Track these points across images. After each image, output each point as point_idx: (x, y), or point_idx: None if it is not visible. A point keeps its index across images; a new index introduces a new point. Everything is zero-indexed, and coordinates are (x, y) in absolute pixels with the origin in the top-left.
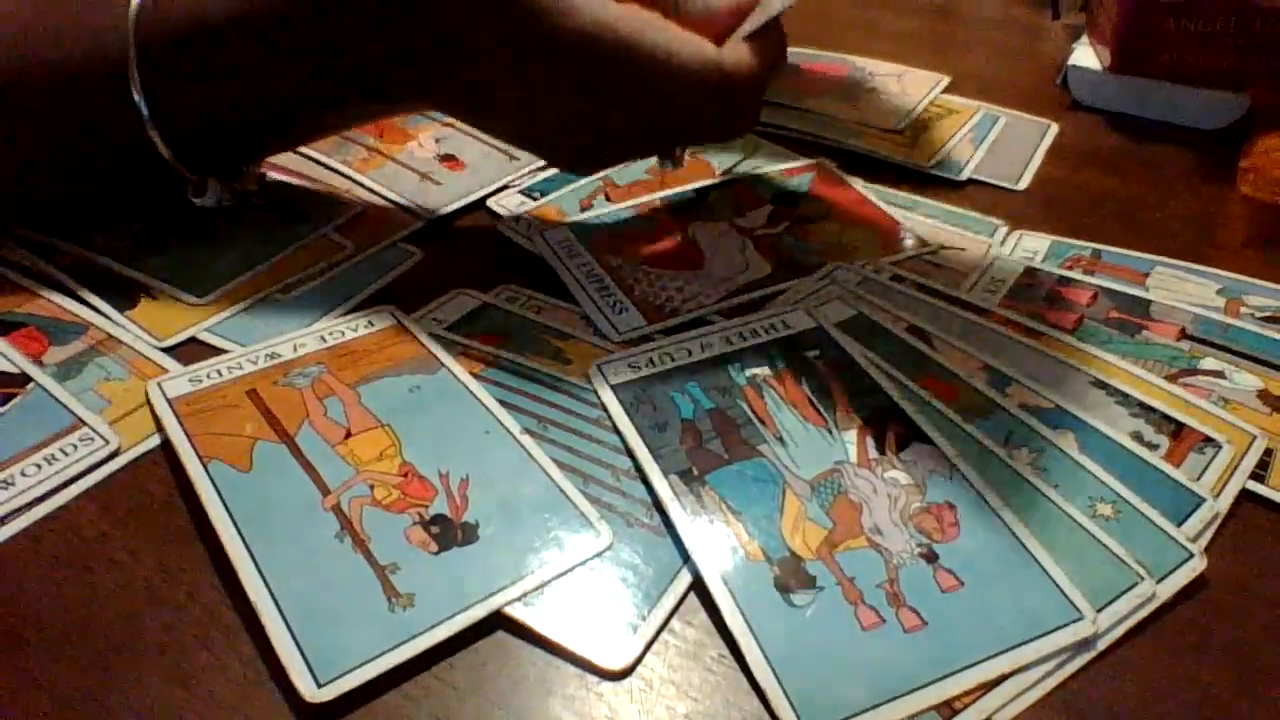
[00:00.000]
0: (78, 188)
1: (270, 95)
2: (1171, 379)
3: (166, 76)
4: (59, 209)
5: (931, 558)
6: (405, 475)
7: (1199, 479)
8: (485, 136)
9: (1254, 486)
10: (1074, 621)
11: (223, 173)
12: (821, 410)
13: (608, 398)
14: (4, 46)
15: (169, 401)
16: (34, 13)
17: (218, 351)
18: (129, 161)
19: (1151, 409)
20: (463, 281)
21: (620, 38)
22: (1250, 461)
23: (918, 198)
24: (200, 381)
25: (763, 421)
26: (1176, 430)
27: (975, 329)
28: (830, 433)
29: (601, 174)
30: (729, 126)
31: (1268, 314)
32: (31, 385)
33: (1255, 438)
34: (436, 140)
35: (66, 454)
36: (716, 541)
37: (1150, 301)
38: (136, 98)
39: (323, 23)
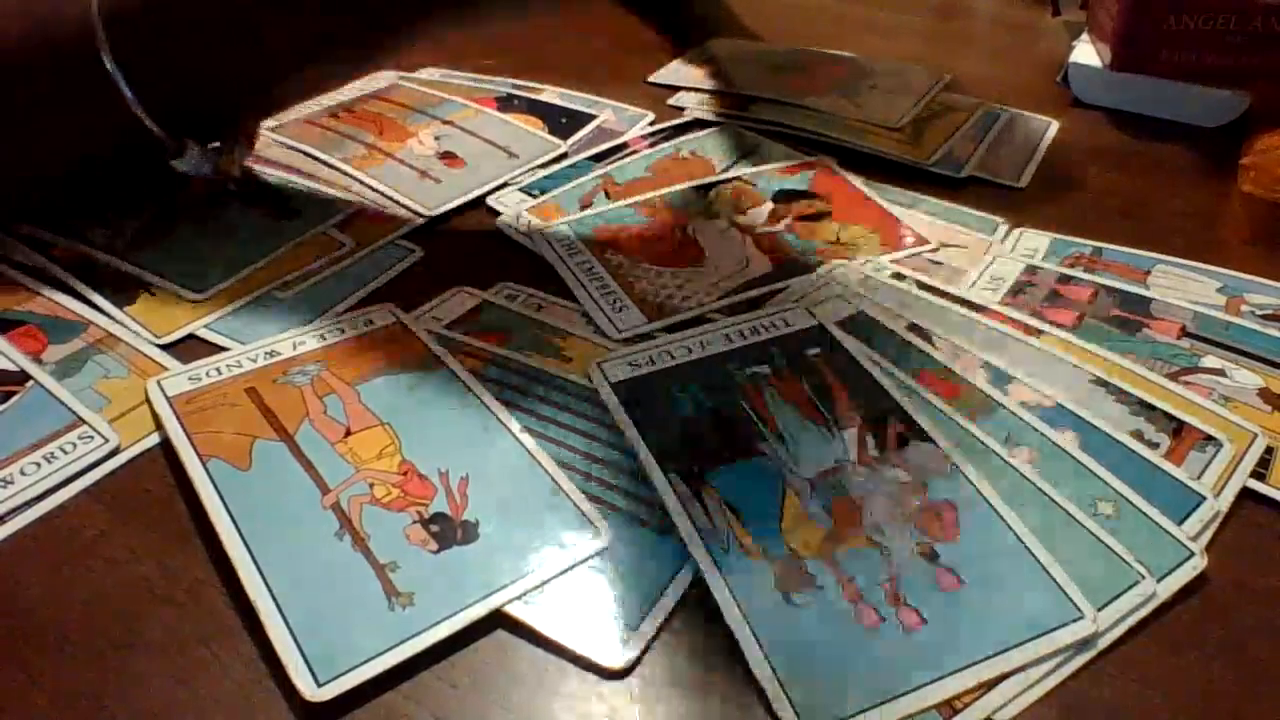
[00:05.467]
0: (71, 165)
1: (247, 50)
2: (1172, 377)
3: (132, 38)
4: (63, 190)
5: (932, 557)
6: (405, 474)
7: (1199, 477)
8: (485, 134)
9: (1254, 485)
10: (1074, 620)
11: (202, 135)
12: (822, 408)
13: (608, 396)
14: None
15: (168, 399)
16: None
17: (216, 348)
18: (110, 134)
19: (1152, 407)
20: (462, 279)
21: None
22: (1251, 460)
23: (918, 195)
24: (200, 380)
25: (763, 420)
26: (1177, 428)
27: (976, 327)
28: (830, 431)
29: (600, 171)
30: None
31: (1268, 312)
32: (31, 383)
33: (1256, 436)
34: (436, 138)
35: (66, 452)
36: (716, 540)
37: (1151, 299)
38: (108, 64)
39: None
